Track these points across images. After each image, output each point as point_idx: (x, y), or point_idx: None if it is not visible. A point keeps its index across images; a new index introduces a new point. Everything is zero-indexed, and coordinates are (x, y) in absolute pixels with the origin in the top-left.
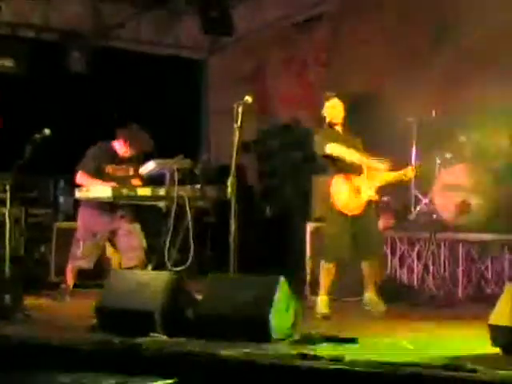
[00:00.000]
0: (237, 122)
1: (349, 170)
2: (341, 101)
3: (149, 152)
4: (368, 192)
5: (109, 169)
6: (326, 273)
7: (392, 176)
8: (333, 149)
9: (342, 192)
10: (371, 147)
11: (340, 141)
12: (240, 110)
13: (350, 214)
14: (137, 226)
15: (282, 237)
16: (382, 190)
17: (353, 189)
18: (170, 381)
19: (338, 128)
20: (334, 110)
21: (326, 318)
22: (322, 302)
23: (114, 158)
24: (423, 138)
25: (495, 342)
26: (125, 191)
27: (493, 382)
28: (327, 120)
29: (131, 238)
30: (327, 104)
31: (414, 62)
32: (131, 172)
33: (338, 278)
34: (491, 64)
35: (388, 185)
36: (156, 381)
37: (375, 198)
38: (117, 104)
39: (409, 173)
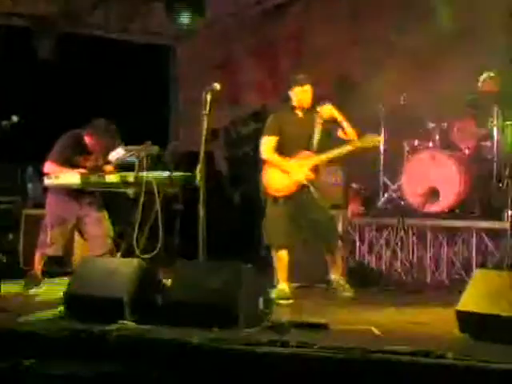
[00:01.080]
0: (205, 108)
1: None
2: (312, 87)
3: (116, 146)
4: (299, 174)
5: (79, 160)
6: (277, 260)
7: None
8: (266, 155)
9: (272, 177)
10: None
11: (292, 125)
12: (208, 97)
13: (281, 194)
14: (104, 214)
15: (251, 223)
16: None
17: (282, 171)
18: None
19: (299, 111)
20: (304, 95)
21: (288, 305)
22: (280, 292)
23: (84, 149)
24: (392, 125)
25: (463, 328)
26: (93, 178)
27: (461, 367)
28: (293, 103)
29: (99, 225)
30: (299, 88)
31: (383, 48)
32: (100, 162)
33: (292, 262)
34: (460, 51)
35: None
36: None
37: (305, 180)
38: (85, 91)
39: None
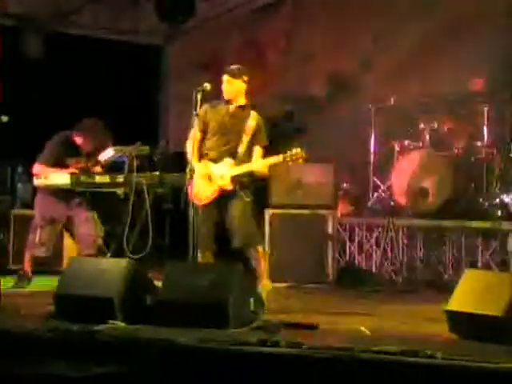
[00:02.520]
0: (195, 108)
1: (209, 156)
2: (235, 78)
3: (108, 146)
4: (219, 180)
5: (70, 161)
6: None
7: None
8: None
9: (194, 181)
10: (332, 133)
11: (218, 116)
12: (199, 96)
13: (200, 203)
14: (93, 214)
15: None
16: (342, 178)
17: (204, 176)
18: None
19: (233, 105)
20: (224, 85)
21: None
22: None
23: (75, 151)
24: (382, 125)
25: (452, 328)
26: (83, 178)
27: (451, 368)
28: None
29: (88, 225)
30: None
31: (373, 48)
32: (92, 163)
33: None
34: (450, 51)
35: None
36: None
37: (228, 187)
38: (75, 90)
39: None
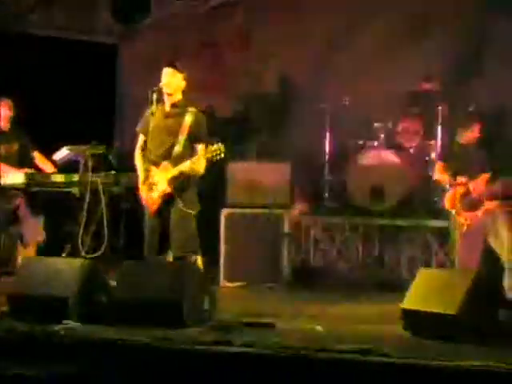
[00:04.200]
0: (151, 108)
1: (151, 160)
2: (178, 71)
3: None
4: (161, 185)
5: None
6: None
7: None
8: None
9: (145, 185)
10: (288, 133)
11: (154, 118)
12: (154, 96)
13: (149, 208)
14: (39, 215)
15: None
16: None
17: (148, 184)
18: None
19: (168, 104)
20: (163, 78)
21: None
22: None
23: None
24: (337, 124)
25: (407, 327)
26: (38, 177)
27: (405, 366)
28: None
29: (34, 226)
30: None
31: (328, 49)
32: (15, 147)
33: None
34: (405, 51)
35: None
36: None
37: (167, 190)
38: (29, 90)
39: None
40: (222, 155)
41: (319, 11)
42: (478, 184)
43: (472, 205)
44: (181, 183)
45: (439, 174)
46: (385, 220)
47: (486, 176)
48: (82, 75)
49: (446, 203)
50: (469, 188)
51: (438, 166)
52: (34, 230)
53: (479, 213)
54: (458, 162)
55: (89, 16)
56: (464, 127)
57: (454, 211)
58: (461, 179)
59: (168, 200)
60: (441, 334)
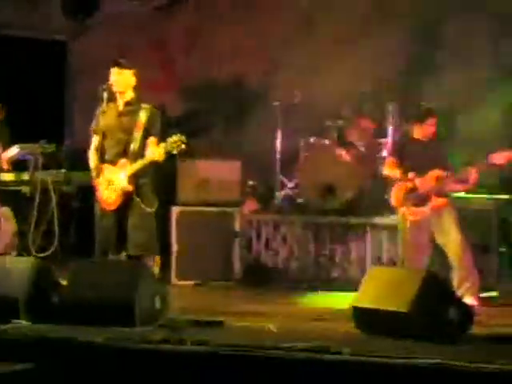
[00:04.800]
0: (101, 105)
1: (105, 159)
2: (124, 68)
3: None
4: (119, 183)
5: None
6: None
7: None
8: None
9: (99, 185)
10: (239, 131)
11: (108, 117)
12: (105, 94)
13: (108, 208)
14: (6, 210)
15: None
16: (248, 174)
17: (105, 181)
18: (28, 365)
19: (121, 102)
20: (114, 78)
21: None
22: None
23: None
24: (288, 123)
25: (359, 324)
26: None
27: (358, 364)
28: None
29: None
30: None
31: (279, 47)
32: None
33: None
34: (356, 51)
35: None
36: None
37: (128, 188)
38: None
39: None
40: (183, 146)
41: (270, 9)
42: (427, 180)
43: (418, 201)
44: (138, 181)
45: (389, 169)
46: (336, 218)
47: (436, 172)
48: (31, 73)
49: (392, 198)
50: (415, 184)
51: (388, 161)
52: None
53: (425, 209)
54: (411, 157)
55: (38, 13)
56: (420, 122)
57: (399, 207)
58: (408, 175)
59: (126, 199)
60: (392, 331)
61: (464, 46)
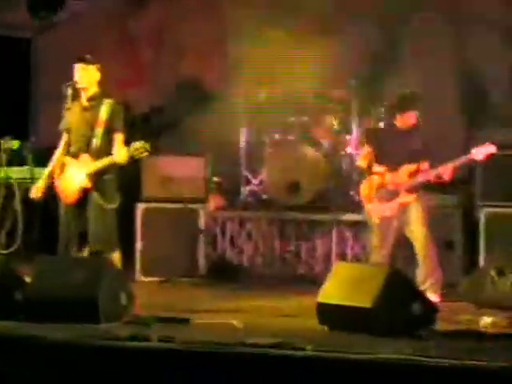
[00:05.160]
0: (66, 103)
1: (69, 153)
2: (89, 64)
3: None
4: (79, 179)
5: None
6: None
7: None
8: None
9: (60, 177)
10: (204, 128)
11: (72, 112)
12: (69, 91)
13: (66, 201)
14: None
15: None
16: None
17: (67, 175)
18: None
19: (84, 97)
20: (79, 73)
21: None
22: None
23: None
24: (253, 119)
25: (323, 320)
26: None
27: (321, 360)
28: None
29: None
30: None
31: (244, 43)
32: None
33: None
34: (319, 48)
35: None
36: None
37: (87, 185)
38: None
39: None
40: (145, 154)
41: (235, 6)
42: (398, 175)
43: (388, 196)
44: (100, 177)
45: (363, 160)
46: (301, 214)
47: (410, 167)
48: None
49: (362, 191)
50: (386, 179)
51: (365, 151)
52: None
53: (393, 205)
54: (389, 146)
55: (3, 10)
56: (401, 110)
57: (368, 202)
58: (380, 168)
59: (87, 194)
60: (356, 327)
61: (425, 44)
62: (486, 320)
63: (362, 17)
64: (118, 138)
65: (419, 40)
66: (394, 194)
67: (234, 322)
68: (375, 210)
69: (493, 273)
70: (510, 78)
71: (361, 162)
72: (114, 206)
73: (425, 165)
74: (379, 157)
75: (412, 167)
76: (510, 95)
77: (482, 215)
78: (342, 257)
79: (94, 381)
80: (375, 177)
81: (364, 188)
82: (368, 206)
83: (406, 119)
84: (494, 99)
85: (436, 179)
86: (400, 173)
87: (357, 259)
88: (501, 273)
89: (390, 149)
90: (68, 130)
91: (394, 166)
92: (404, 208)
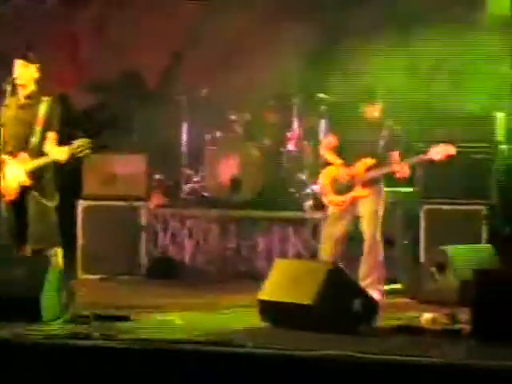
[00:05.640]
0: (6, 99)
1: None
2: (30, 63)
3: None
4: (18, 177)
5: None
6: None
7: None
8: None
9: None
10: (146, 124)
11: (9, 109)
12: (9, 87)
13: (7, 198)
14: None
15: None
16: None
17: (7, 173)
18: None
19: (22, 95)
20: (18, 71)
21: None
22: None
23: None
24: (194, 116)
25: (265, 317)
26: None
27: (262, 356)
28: None
29: None
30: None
31: (185, 40)
32: None
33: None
34: (262, 45)
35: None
36: None
37: (25, 183)
38: None
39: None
40: (87, 151)
41: (177, 2)
42: (355, 169)
43: (342, 190)
44: (39, 175)
45: (324, 150)
46: (242, 212)
47: (367, 162)
48: None
49: (321, 182)
50: (341, 172)
51: (327, 141)
52: None
53: (346, 199)
54: (349, 140)
55: None
56: (368, 102)
57: (323, 195)
58: (337, 160)
59: (26, 192)
60: (297, 324)
61: (365, 39)
62: (426, 316)
63: (302, 15)
64: (52, 136)
65: (360, 35)
66: (350, 188)
67: (175, 319)
68: (331, 202)
69: (433, 269)
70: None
71: (323, 151)
72: (54, 203)
73: (390, 159)
74: (341, 148)
75: (370, 161)
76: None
77: (423, 212)
78: (283, 254)
79: (35, 379)
80: (333, 168)
81: (322, 178)
82: (324, 198)
83: (370, 112)
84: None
85: (393, 175)
86: (357, 166)
87: (298, 256)
88: (441, 269)
89: (352, 140)
90: (2, 125)
91: (354, 159)
92: (357, 203)
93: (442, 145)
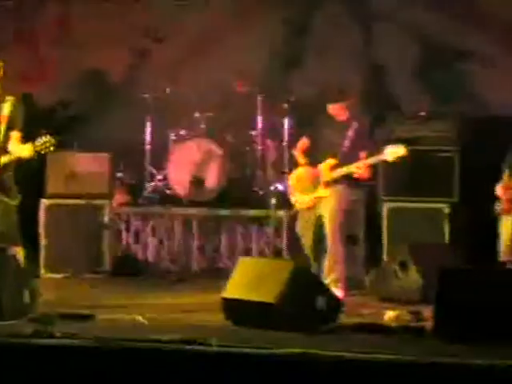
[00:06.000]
0: None
1: None
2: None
3: None
4: None
5: None
6: None
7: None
8: None
9: None
10: (109, 122)
11: None
12: None
13: None
14: None
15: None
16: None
17: None
18: None
19: None
20: None
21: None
22: None
23: None
24: (157, 114)
25: (228, 316)
26: None
27: (226, 355)
28: None
29: None
30: None
31: (149, 38)
32: None
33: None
34: (224, 43)
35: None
36: None
37: None
38: None
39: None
40: (52, 148)
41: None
42: (319, 169)
43: (308, 188)
44: (3, 174)
45: (298, 151)
46: (205, 210)
47: (331, 162)
48: None
49: (289, 181)
50: (306, 171)
51: (301, 142)
52: None
53: (308, 198)
54: (319, 140)
55: None
56: (334, 102)
57: (291, 194)
58: (303, 160)
59: None
60: (261, 322)
61: (331, 39)
62: (390, 314)
63: (268, 11)
64: (16, 135)
65: (325, 33)
66: (314, 187)
67: (139, 318)
68: (297, 201)
69: (396, 267)
70: (413, 75)
71: (296, 153)
72: (16, 202)
73: (356, 159)
74: (312, 148)
75: (333, 161)
76: (413, 92)
77: (385, 209)
78: (247, 252)
79: None
80: (301, 168)
81: (291, 178)
82: (292, 197)
83: (338, 112)
84: (397, 95)
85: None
86: (322, 166)
87: (261, 254)
88: (404, 266)
89: (322, 140)
90: None
91: (321, 159)
92: (319, 202)
93: (393, 145)
